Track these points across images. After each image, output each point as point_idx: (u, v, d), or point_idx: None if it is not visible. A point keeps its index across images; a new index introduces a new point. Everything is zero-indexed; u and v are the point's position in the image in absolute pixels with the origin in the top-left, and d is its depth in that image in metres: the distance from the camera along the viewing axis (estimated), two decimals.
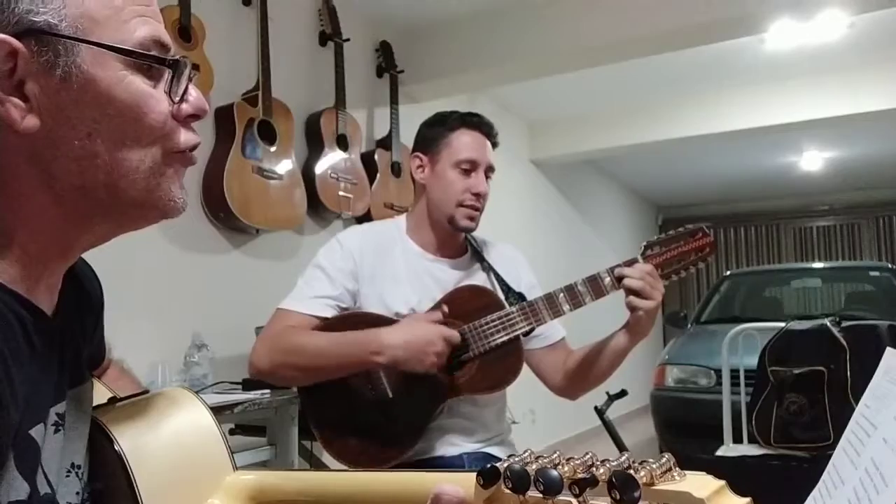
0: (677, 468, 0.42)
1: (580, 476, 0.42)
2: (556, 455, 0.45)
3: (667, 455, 0.42)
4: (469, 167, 1.59)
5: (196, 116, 0.63)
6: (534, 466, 0.45)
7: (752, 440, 2.39)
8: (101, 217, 0.61)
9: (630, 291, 1.46)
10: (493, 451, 1.59)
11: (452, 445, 1.55)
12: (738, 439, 2.73)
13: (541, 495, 0.45)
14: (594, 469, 0.43)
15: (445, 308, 1.49)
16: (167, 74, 0.61)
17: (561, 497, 0.44)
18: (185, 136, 0.63)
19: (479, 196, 1.60)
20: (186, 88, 0.62)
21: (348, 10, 3.26)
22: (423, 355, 1.41)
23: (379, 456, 1.50)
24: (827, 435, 2.09)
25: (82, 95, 0.56)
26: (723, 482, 0.41)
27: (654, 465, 0.41)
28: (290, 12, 3.02)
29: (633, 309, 1.48)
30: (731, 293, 5.67)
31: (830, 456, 0.79)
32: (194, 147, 0.64)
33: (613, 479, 0.40)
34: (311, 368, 1.49)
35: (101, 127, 0.57)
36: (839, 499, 0.70)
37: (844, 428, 0.80)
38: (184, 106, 0.62)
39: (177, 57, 0.61)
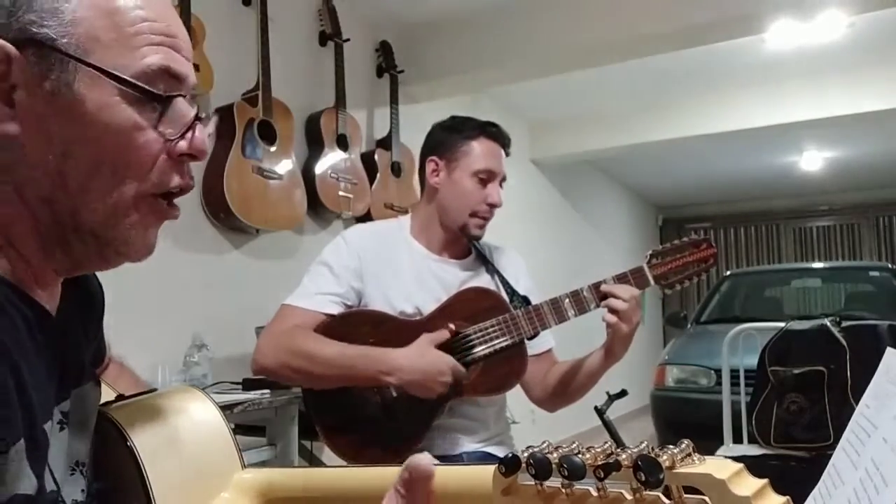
0: (696, 453, 0.43)
1: (603, 461, 0.43)
2: (574, 445, 0.46)
3: (686, 441, 0.43)
4: (486, 177, 1.61)
5: (192, 157, 0.62)
6: (555, 455, 0.45)
7: (752, 440, 2.39)
8: (60, 240, 0.60)
9: (612, 311, 1.48)
10: (493, 450, 1.59)
11: (453, 444, 1.56)
12: (738, 439, 2.73)
13: (558, 484, 0.46)
14: (615, 456, 0.43)
15: (452, 326, 1.50)
16: (170, 110, 0.59)
17: (579, 486, 0.45)
18: (163, 174, 0.60)
19: (493, 207, 1.62)
20: (193, 128, 0.61)
21: (348, 10, 3.26)
22: (432, 383, 1.43)
23: (381, 454, 1.51)
24: (827, 435, 2.09)
25: (67, 113, 0.56)
26: (741, 465, 0.42)
27: (674, 450, 0.42)
28: (290, 12, 3.02)
29: (610, 326, 1.50)
30: (731, 293, 5.67)
31: (830, 456, 0.79)
32: (182, 191, 0.62)
33: (639, 463, 0.41)
34: (316, 375, 1.49)
35: (79, 149, 0.57)
36: (839, 499, 0.70)
37: (844, 428, 0.80)
38: (181, 143, 0.61)
39: (172, 94, 0.59)
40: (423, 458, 0.56)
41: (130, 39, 0.57)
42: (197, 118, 0.62)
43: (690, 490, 0.42)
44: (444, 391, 1.44)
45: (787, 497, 0.41)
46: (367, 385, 1.49)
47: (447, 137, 1.65)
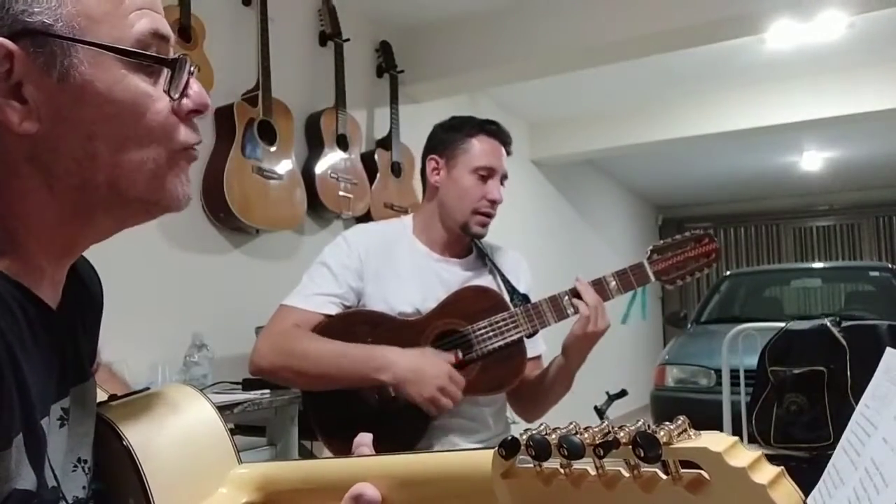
0: (692, 429, 0.44)
1: (602, 440, 0.44)
2: (571, 426, 0.47)
3: (682, 417, 0.44)
4: (486, 174, 1.61)
5: (197, 111, 0.63)
6: (553, 436, 0.46)
7: (752, 440, 2.39)
8: (102, 213, 0.61)
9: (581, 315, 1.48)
10: None
11: (452, 444, 1.55)
12: None
13: (557, 465, 0.47)
14: (612, 434, 0.44)
15: (460, 355, 1.49)
16: (166, 73, 0.60)
17: (577, 465, 0.46)
18: (185, 135, 0.62)
19: (494, 203, 1.61)
20: (188, 83, 0.62)
21: (348, 10, 3.26)
22: (426, 386, 1.42)
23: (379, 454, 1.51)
24: (827, 435, 2.09)
25: (80, 96, 0.56)
26: (736, 438, 0.43)
27: (671, 426, 0.43)
28: (290, 12, 3.02)
29: (578, 332, 1.49)
30: (731, 293, 5.67)
31: (830, 456, 0.79)
32: (196, 145, 0.64)
33: (637, 439, 0.42)
34: (312, 375, 1.49)
35: (101, 128, 0.57)
36: (839, 499, 0.71)
37: (844, 428, 0.81)
38: (185, 101, 0.61)
39: (176, 56, 0.60)
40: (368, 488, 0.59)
41: (118, 9, 0.57)
42: (188, 73, 0.62)
43: (687, 465, 0.43)
44: (437, 398, 1.43)
45: (782, 467, 0.42)
46: (363, 385, 1.49)
47: (447, 136, 1.66)
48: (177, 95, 0.61)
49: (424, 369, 1.43)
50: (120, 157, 0.58)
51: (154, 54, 0.59)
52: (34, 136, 0.55)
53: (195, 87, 0.62)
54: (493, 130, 1.64)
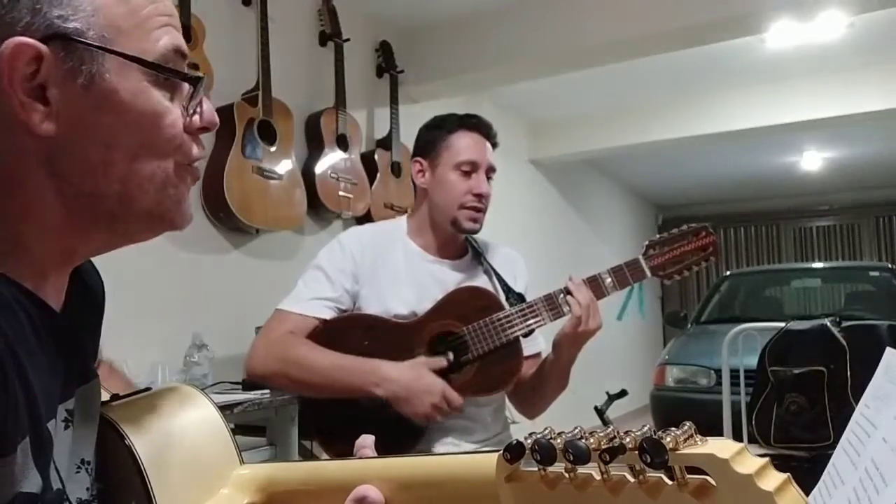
0: (698, 435, 0.44)
1: (608, 445, 0.44)
2: (577, 430, 0.46)
3: (688, 423, 0.44)
4: (469, 168, 1.59)
5: (206, 129, 0.64)
6: (558, 440, 0.46)
7: (752, 440, 2.39)
8: (105, 226, 0.61)
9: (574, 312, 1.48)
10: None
11: (451, 445, 1.55)
12: (738, 439, 2.71)
13: (561, 469, 0.46)
14: (618, 439, 0.44)
15: (451, 355, 1.50)
16: (187, 89, 0.62)
17: (582, 470, 0.46)
18: (195, 150, 0.64)
19: (481, 197, 1.60)
20: (201, 101, 0.63)
21: (348, 10, 3.25)
22: (419, 402, 1.43)
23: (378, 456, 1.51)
24: (827, 435, 2.09)
25: (102, 104, 0.57)
26: (742, 444, 0.43)
27: (677, 432, 0.43)
28: (290, 12, 3.02)
29: (569, 331, 1.49)
30: (731, 293, 5.67)
31: (830, 456, 0.79)
32: (198, 160, 0.66)
33: (644, 445, 0.42)
34: (307, 384, 1.50)
35: (119, 137, 0.58)
36: (839, 499, 0.71)
37: (844, 428, 0.81)
38: (195, 118, 0.63)
39: (199, 74, 0.62)
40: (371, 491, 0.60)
41: (145, 23, 0.59)
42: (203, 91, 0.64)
43: (693, 470, 0.43)
44: (429, 412, 1.44)
45: (788, 474, 0.42)
46: (357, 396, 1.49)
47: (429, 137, 1.65)
48: (191, 112, 0.62)
49: (417, 387, 1.44)
50: (133, 167, 0.59)
51: (177, 69, 0.61)
52: (51, 140, 0.56)
53: (206, 105, 0.64)
54: (472, 124, 1.63)
